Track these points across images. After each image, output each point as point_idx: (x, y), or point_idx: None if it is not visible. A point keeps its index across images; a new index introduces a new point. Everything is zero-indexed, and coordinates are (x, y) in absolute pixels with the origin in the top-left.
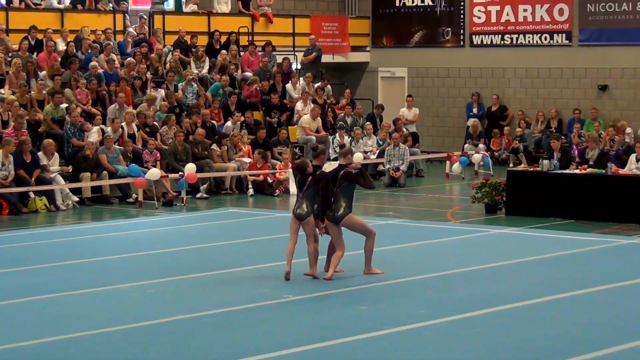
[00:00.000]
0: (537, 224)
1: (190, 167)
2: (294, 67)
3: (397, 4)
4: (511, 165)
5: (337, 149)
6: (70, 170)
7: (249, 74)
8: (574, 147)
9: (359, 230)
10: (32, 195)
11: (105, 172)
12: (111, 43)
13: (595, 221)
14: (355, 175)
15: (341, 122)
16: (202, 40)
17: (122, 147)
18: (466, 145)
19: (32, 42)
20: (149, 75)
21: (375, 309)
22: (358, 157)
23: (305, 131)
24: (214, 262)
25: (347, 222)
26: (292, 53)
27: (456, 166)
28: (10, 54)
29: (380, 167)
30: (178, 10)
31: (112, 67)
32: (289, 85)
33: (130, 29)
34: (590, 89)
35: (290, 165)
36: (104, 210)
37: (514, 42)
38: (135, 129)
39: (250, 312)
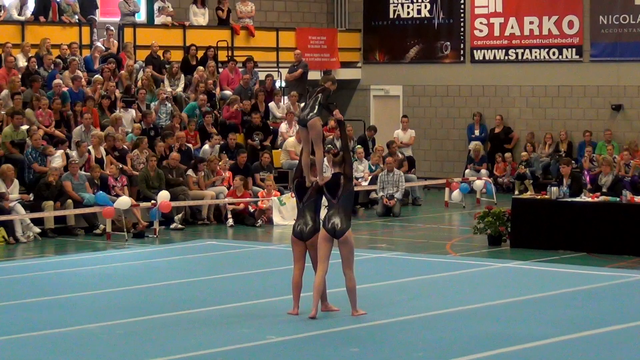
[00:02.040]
0: (545, 257)
1: (163, 195)
2: (277, 84)
3: (391, 16)
4: (516, 192)
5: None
6: (32, 199)
7: (228, 92)
8: (586, 172)
9: (347, 255)
10: None
11: (69, 201)
12: (76, 58)
13: (609, 254)
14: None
15: (329, 145)
16: (177, 56)
17: (88, 173)
18: (467, 171)
19: None
20: (118, 93)
21: (368, 351)
22: None
23: (291, 155)
24: (189, 299)
25: (346, 238)
26: (276, 69)
27: (456, 194)
28: None
29: (373, 195)
30: (150, 22)
31: (78, 85)
32: (272, 105)
33: (98, 43)
34: (603, 108)
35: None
36: (68, 242)
37: (519, 57)
38: (104, 153)
39: (230, 355)
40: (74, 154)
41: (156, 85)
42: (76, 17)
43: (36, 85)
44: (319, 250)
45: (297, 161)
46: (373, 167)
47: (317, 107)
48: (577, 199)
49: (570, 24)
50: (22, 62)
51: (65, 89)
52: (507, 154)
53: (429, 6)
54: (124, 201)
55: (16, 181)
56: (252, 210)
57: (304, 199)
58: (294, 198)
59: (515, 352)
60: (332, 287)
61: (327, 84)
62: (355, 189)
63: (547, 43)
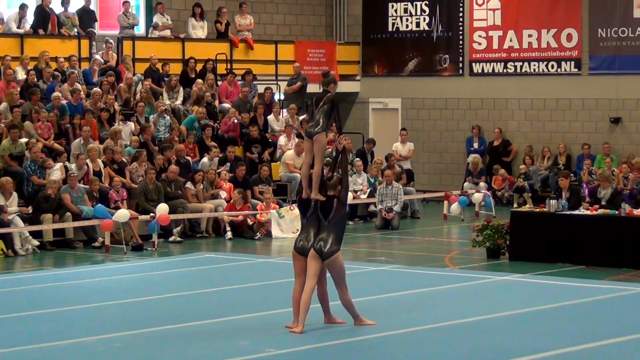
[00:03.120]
0: (543, 270)
1: (162, 208)
2: (276, 97)
3: (390, 29)
4: (515, 205)
5: None
6: (30, 212)
7: (227, 105)
8: (584, 185)
9: (335, 276)
10: None
11: (68, 214)
12: (76, 71)
13: (608, 267)
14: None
15: (328, 159)
16: (176, 68)
17: (87, 186)
18: (466, 184)
19: None
20: (117, 106)
21: None
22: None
23: (289, 168)
24: (188, 312)
25: (332, 261)
26: (275, 82)
27: (455, 206)
28: None
29: (372, 208)
30: (149, 35)
31: (78, 97)
32: (270, 118)
33: (97, 56)
34: (601, 121)
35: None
36: (67, 255)
37: (518, 70)
38: (102, 165)
39: None
40: (72, 166)
41: (155, 98)
42: (75, 30)
43: (35, 98)
44: (308, 267)
45: (297, 174)
46: (372, 180)
47: (322, 120)
48: (576, 212)
49: (569, 37)
50: (21, 75)
51: (64, 102)
52: (502, 171)
53: (427, 19)
54: (123, 214)
55: (15, 194)
56: (250, 223)
57: (308, 215)
58: (293, 211)
59: None
60: (333, 299)
61: (329, 87)
62: (354, 201)
63: (546, 56)
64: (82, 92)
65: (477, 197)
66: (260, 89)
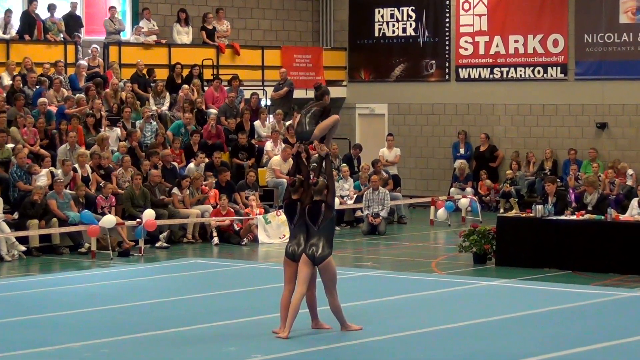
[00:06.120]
0: (530, 275)
1: (148, 214)
2: (263, 103)
3: (377, 35)
4: (502, 211)
5: None
6: (16, 217)
7: (213, 111)
8: (571, 191)
9: (327, 281)
10: None
11: (55, 219)
12: (61, 77)
13: (594, 272)
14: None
15: (314, 164)
16: (162, 74)
17: (73, 192)
18: (452, 189)
19: None
20: (103, 112)
21: None
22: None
23: (276, 173)
24: (174, 318)
25: (325, 265)
26: (261, 88)
27: (441, 212)
28: None
29: (359, 213)
30: (136, 40)
31: (71, 104)
32: (257, 123)
33: (82, 61)
34: (587, 127)
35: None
36: (53, 261)
37: (505, 75)
38: (90, 170)
39: None
40: (58, 172)
41: (141, 103)
42: (61, 35)
43: (19, 103)
44: (299, 273)
45: (283, 180)
46: (362, 187)
47: (308, 121)
48: (562, 217)
49: (555, 43)
50: (6, 81)
51: (50, 108)
52: (487, 181)
53: (414, 25)
54: (109, 220)
55: (0, 200)
56: (237, 229)
57: (294, 220)
58: (280, 216)
59: None
60: (322, 304)
61: (324, 99)
62: (341, 207)
63: (532, 61)
64: (75, 99)
65: (463, 202)
66: (247, 94)
